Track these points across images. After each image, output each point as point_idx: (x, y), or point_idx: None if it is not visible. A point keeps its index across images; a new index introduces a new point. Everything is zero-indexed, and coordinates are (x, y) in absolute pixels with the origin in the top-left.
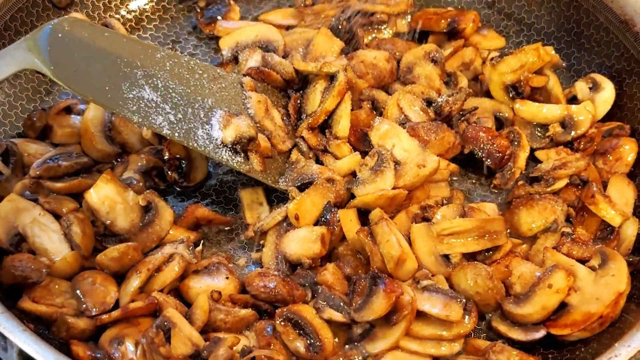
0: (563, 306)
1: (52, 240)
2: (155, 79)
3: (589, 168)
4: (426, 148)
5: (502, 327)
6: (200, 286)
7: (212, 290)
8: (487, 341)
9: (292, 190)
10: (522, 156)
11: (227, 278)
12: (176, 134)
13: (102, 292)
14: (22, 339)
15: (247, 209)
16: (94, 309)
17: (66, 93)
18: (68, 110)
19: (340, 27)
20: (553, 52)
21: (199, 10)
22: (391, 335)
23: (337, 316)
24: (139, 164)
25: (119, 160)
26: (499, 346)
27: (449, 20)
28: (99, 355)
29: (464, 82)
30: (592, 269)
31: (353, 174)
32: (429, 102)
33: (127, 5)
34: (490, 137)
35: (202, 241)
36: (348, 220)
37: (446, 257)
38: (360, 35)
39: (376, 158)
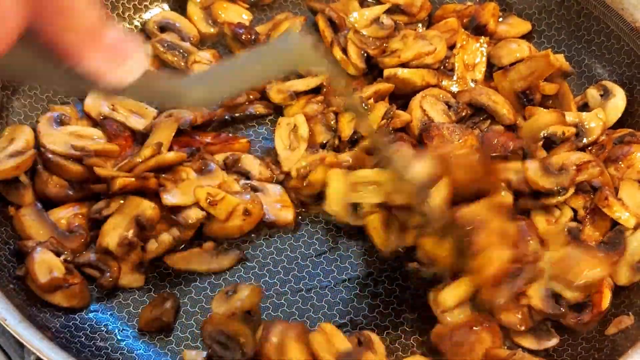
0: None
1: None
2: None
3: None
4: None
5: (517, 336)
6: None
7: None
8: (507, 350)
9: None
10: None
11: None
12: None
13: None
14: (40, 347)
15: None
16: None
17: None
18: None
19: None
20: (563, 59)
21: None
22: None
23: None
24: None
25: None
26: (519, 354)
27: (470, 18)
28: None
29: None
30: None
31: None
32: (448, 106)
33: (141, 15)
34: (509, 139)
35: None
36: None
37: None
38: None
39: None
